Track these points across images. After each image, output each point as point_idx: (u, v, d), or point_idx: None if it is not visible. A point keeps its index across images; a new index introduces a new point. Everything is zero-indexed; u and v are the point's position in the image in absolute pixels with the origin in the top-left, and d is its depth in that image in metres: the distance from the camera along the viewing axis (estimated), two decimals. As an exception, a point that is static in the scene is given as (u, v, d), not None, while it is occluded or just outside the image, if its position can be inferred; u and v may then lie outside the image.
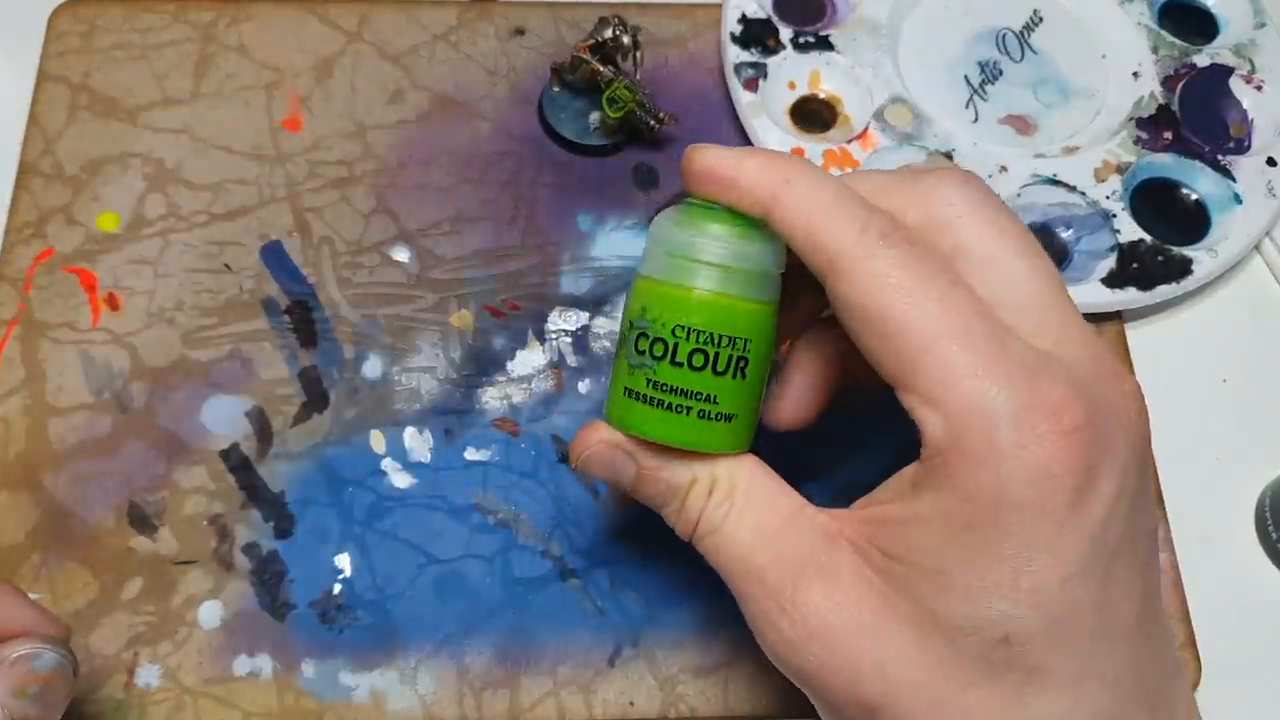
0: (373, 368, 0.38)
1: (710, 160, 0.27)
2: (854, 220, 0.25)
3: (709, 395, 0.27)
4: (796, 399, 0.30)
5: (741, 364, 0.27)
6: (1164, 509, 0.38)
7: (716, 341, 0.27)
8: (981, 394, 0.23)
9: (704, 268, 0.27)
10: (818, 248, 0.25)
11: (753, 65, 0.43)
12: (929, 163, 0.41)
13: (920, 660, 0.24)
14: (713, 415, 0.27)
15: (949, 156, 0.41)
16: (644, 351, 0.27)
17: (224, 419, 0.37)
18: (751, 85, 0.42)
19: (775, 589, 0.25)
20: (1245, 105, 0.44)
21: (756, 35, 0.43)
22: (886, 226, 0.25)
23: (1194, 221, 0.42)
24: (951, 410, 0.23)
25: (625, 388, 0.28)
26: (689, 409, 0.27)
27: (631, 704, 0.34)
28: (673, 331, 0.27)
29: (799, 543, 0.26)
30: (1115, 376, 0.25)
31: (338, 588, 0.35)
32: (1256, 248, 0.43)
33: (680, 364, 0.27)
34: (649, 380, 0.27)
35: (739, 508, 0.27)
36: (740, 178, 0.26)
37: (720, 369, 0.27)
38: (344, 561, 0.35)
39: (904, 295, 0.24)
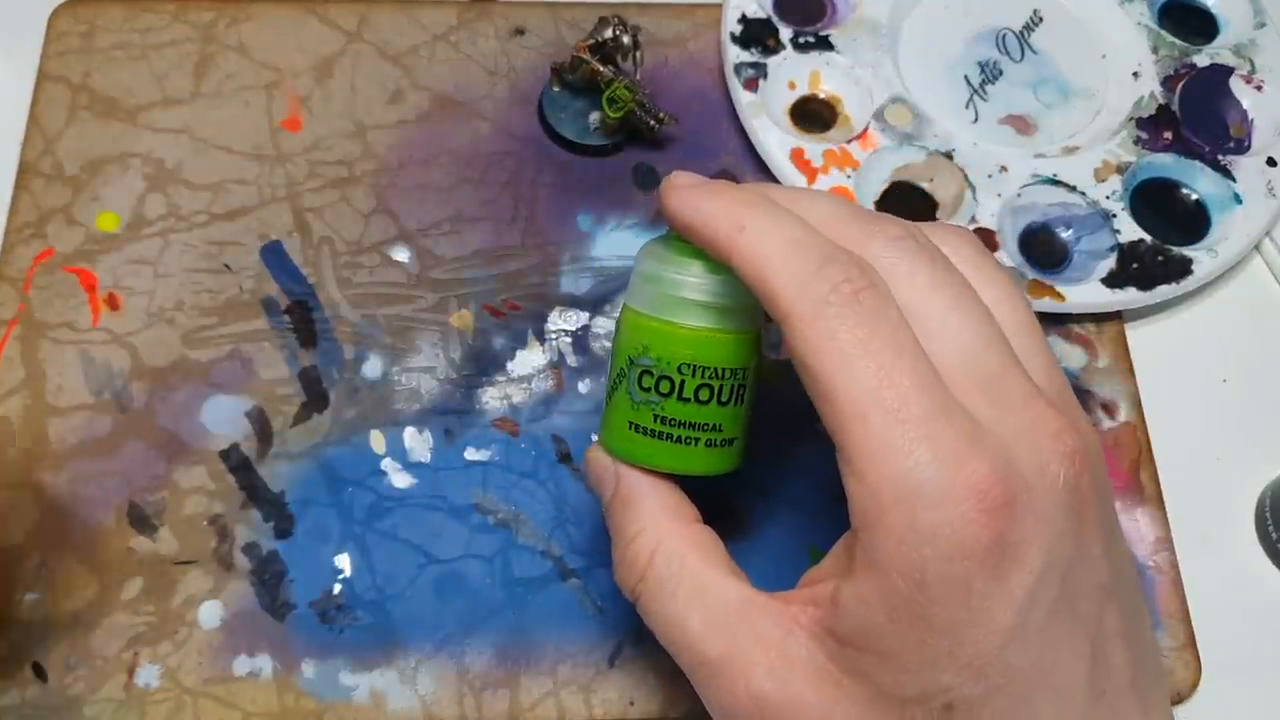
0: (373, 368, 0.38)
1: (675, 203, 0.27)
2: (804, 273, 0.24)
3: (715, 425, 0.28)
4: None
5: (741, 391, 0.28)
6: (1164, 509, 0.38)
7: (720, 375, 0.27)
8: (907, 473, 0.23)
9: (699, 306, 0.27)
10: (769, 301, 0.25)
11: (753, 65, 0.43)
12: (927, 163, 0.41)
13: None
14: (719, 442, 0.28)
15: (949, 157, 0.41)
16: (649, 389, 0.28)
17: (224, 419, 0.37)
18: (751, 85, 0.42)
19: (729, 681, 0.25)
20: (1245, 105, 0.44)
21: (756, 35, 0.43)
22: (838, 277, 0.24)
23: (1194, 221, 0.42)
24: (876, 486, 0.23)
25: (630, 422, 0.28)
26: (697, 440, 0.28)
27: (631, 704, 0.34)
28: (678, 369, 0.27)
29: (753, 636, 0.25)
30: (1053, 438, 0.24)
31: (338, 588, 0.35)
32: (1256, 248, 0.43)
33: (688, 399, 0.27)
34: (656, 416, 0.28)
35: (688, 590, 0.27)
36: (704, 225, 0.26)
37: (724, 400, 0.28)
38: (344, 561, 0.35)
39: (844, 362, 0.23)
